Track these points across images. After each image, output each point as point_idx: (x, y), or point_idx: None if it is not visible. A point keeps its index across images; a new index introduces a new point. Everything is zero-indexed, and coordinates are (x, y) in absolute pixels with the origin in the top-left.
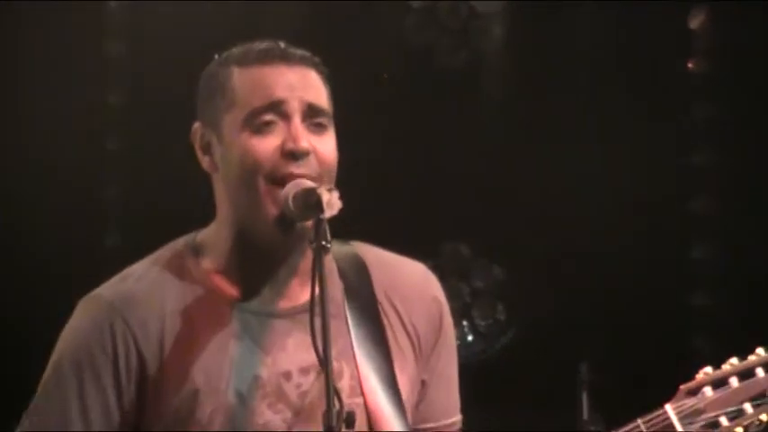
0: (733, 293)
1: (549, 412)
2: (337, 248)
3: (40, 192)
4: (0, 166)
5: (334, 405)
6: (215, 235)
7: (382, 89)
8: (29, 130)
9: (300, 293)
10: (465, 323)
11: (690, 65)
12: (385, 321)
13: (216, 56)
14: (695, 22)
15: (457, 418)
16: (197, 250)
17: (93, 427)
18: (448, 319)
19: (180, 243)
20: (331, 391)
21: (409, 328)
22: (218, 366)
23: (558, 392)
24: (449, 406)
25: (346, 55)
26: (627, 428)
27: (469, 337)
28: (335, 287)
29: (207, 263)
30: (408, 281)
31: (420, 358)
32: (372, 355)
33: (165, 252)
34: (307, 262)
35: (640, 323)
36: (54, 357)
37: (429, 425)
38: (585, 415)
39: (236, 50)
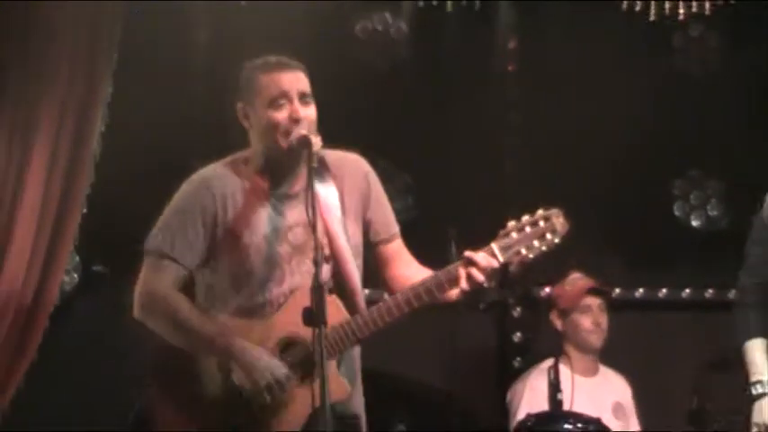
0: None
1: None
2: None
3: None
4: None
5: (318, 250)
6: (251, 155)
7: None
8: None
9: (299, 185)
10: None
11: None
12: (341, 193)
13: (245, 64)
14: None
15: (396, 228)
16: (246, 160)
17: (190, 245)
18: (374, 180)
19: (236, 155)
20: (317, 243)
21: (354, 192)
22: (255, 223)
23: None
24: (388, 223)
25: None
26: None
27: None
28: (315, 187)
29: (250, 168)
30: (350, 166)
31: (363, 206)
32: (334, 214)
33: (228, 159)
34: (302, 168)
35: None
36: (169, 208)
37: (380, 236)
38: None
39: (258, 61)
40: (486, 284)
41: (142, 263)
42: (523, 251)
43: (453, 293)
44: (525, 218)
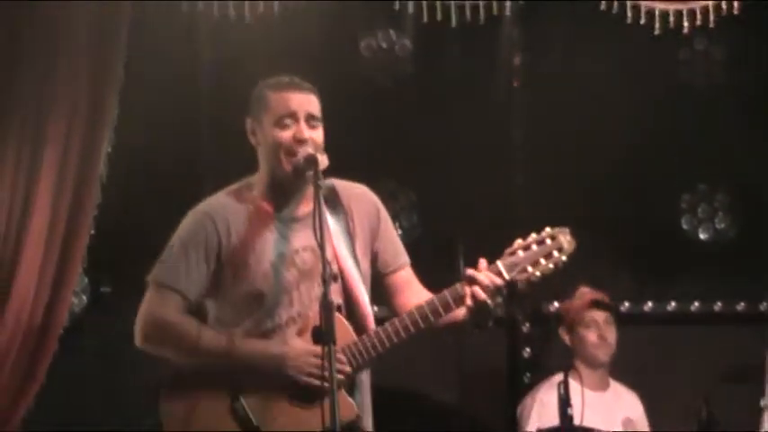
0: None
1: None
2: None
3: None
4: None
5: (325, 268)
6: (258, 177)
7: None
8: None
9: (306, 208)
10: None
11: None
12: (350, 221)
13: (259, 82)
14: None
15: (405, 258)
16: (250, 186)
17: (191, 275)
18: (384, 212)
19: (241, 182)
20: (324, 260)
21: (363, 222)
22: (261, 249)
23: None
24: (397, 254)
25: None
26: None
27: None
28: (323, 205)
29: (255, 192)
30: (360, 196)
31: (372, 236)
32: (343, 240)
33: (233, 186)
34: (308, 191)
35: None
36: (173, 240)
37: (390, 268)
38: None
39: (272, 80)
40: (490, 302)
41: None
42: (530, 269)
43: (460, 313)
44: (532, 236)
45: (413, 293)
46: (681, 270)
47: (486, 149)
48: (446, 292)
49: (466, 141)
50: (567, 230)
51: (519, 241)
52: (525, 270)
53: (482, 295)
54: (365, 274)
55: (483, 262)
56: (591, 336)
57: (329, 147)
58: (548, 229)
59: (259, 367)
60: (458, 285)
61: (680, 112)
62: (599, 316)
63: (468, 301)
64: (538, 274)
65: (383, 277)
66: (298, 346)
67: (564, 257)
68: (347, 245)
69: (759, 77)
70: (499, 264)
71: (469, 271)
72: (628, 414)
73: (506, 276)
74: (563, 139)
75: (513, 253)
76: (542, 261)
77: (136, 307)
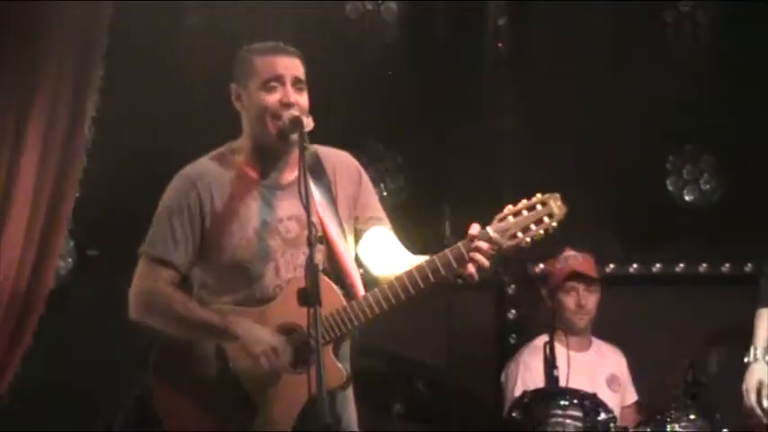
0: None
1: None
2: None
3: None
4: None
5: (311, 230)
6: (242, 143)
7: None
8: None
9: (290, 175)
10: None
11: None
12: (332, 186)
13: (243, 47)
14: None
15: (387, 223)
16: (233, 151)
17: (179, 246)
18: (365, 178)
19: (225, 147)
20: (310, 223)
21: (347, 188)
22: (245, 216)
23: None
24: (379, 217)
25: None
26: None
27: None
28: (306, 167)
29: (239, 158)
30: (342, 162)
31: (354, 201)
32: (327, 206)
33: (216, 151)
34: (292, 158)
35: None
36: (160, 209)
37: (371, 228)
38: None
39: (256, 45)
40: (488, 265)
41: (136, 247)
42: (520, 234)
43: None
44: (522, 202)
45: (393, 255)
46: (666, 231)
47: (473, 113)
48: (447, 252)
49: (452, 104)
50: (557, 196)
51: (509, 207)
52: (515, 236)
53: (483, 259)
54: (350, 240)
55: (475, 226)
56: (569, 302)
57: (316, 110)
58: (538, 195)
59: (247, 347)
60: (460, 244)
61: (665, 73)
62: (579, 283)
63: (470, 268)
64: (528, 239)
65: (363, 238)
66: (261, 332)
67: (554, 223)
68: (331, 211)
69: (744, 39)
70: (489, 229)
71: (472, 232)
72: (612, 371)
73: (500, 243)
74: (550, 103)
75: (504, 218)
76: (533, 227)
77: (122, 270)
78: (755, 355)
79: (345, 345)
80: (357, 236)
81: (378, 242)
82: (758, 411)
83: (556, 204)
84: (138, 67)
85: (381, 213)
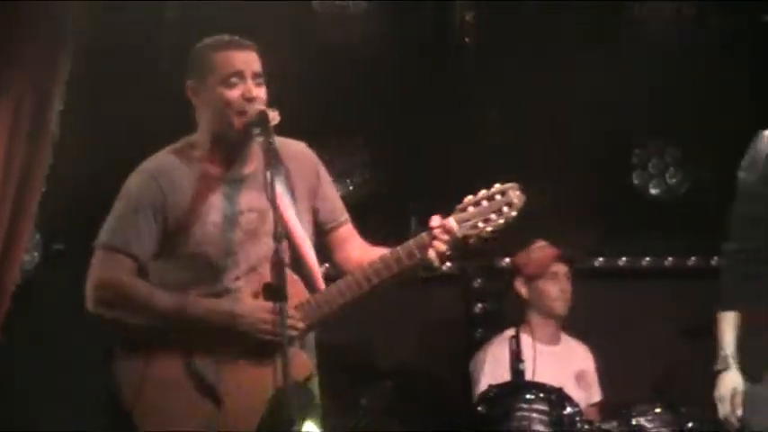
0: None
1: None
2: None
3: None
4: None
5: (278, 224)
6: (200, 137)
7: None
8: None
9: (250, 167)
10: None
11: None
12: (290, 177)
13: (199, 43)
14: None
15: (346, 215)
16: (192, 145)
17: (141, 238)
18: (323, 169)
19: (182, 142)
20: (277, 217)
21: (303, 179)
22: (206, 210)
23: None
24: (337, 210)
25: None
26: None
27: None
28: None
29: (198, 152)
30: (298, 154)
31: (312, 193)
32: (286, 199)
33: (175, 145)
34: (252, 150)
35: None
36: (118, 202)
37: (330, 224)
38: None
39: (211, 39)
40: (449, 254)
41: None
42: (480, 225)
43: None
44: (482, 192)
45: (355, 247)
46: (632, 225)
47: (439, 106)
48: (411, 242)
49: (418, 98)
50: (516, 186)
51: (469, 197)
52: (476, 226)
53: (444, 248)
54: (309, 232)
55: (436, 218)
56: (552, 288)
57: (282, 104)
58: (497, 185)
59: (212, 325)
60: (423, 234)
61: (632, 67)
62: (561, 269)
63: (431, 254)
64: (489, 229)
65: (324, 234)
66: (249, 303)
67: (514, 213)
68: (290, 204)
69: (710, 33)
70: (451, 220)
71: (433, 223)
72: (580, 367)
73: (458, 234)
74: (516, 98)
75: (464, 209)
76: (493, 216)
77: (88, 264)
78: (727, 362)
79: (310, 336)
80: (319, 229)
81: (344, 239)
82: (733, 421)
83: (515, 194)
84: (107, 62)
85: (341, 204)
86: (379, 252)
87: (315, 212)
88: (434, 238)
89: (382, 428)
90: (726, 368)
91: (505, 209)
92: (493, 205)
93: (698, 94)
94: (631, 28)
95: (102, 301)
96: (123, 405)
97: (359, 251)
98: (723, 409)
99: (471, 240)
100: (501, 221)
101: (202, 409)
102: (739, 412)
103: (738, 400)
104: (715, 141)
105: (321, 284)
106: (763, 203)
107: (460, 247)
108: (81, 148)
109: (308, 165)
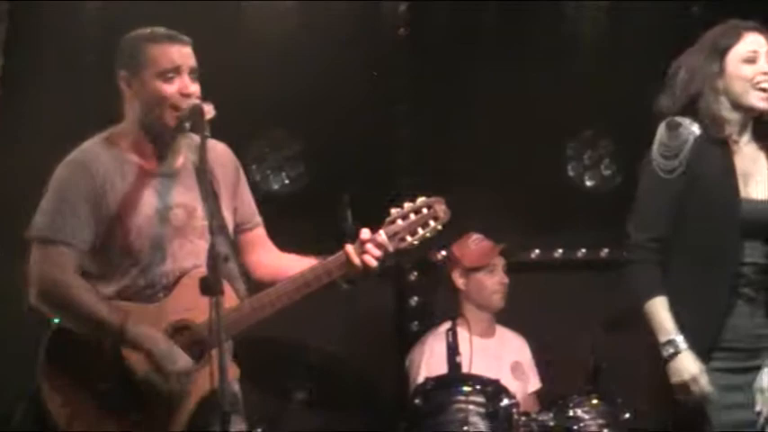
0: None
1: None
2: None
3: None
4: None
5: (212, 219)
6: (127, 128)
7: None
8: None
9: (178, 162)
10: None
11: None
12: (215, 178)
13: (129, 33)
14: None
15: (259, 218)
16: (120, 136)
17: (83, 229)
18: (241, 170)
19: (109, 132)
20: (212, 211)
21: (225, 179)
22: (135, 203)
23: None
24: (253, 212)
25: None
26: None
27: None
28: (189, 162)
29: (126, 144)
30: (220, 154)
31: (232, 193)
32: (209, 196)
33: (102, 135)
34: (180, 145)
35: None
36: (50, 192)
37: (246, 225)
38: None
39: (146, 31)
40: (376, 268)
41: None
42: (409, 238)
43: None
44: (407, 205)
45: (265, 251)
46: (567, 217)
47: (373, 100)
48: (340, 254)
49: (352, 91)
50: (441, 200)
51: (396, 210)
52: (404, 239)
53: (373, 262)
54: (227, 219)
55: (366, 231)
56: (491, 281)
57: (216, 98)
58: (422, 199)
59: (142, 349)
60: (351, 248)
61: (565, 59)
62: (499, 262)
63: (357, 262)
64: (416, 243)
65: (238, 234)
66: (182, 357)
67: (439, 226)
68: (212, 199)
69: (640, 23)
70: (382, 233)
71: (364, 237)
72: (516, 358)
73: (390, 248)
74: (450, 90)
75: (393, 222)
76: (420, 230)
77: (20, 258)
78: (677, 345)
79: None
80: (235, 229)
81: (256, 243)
82: (711, 398)
83: (440, 208)
84: (40, 60)
85: (255, 207)
86: (289, 259)
87: (234, 211)
88: (364, 251)
89: (310, 424)
90: (678, 351)
91: (432, 222)
92: (420, 219)
93: (630, 84)
94: (565, 18)
95: (46, 300)
96: (48, 408)
97: (271, 257)
98: (698, 386)
99: (398, 252)
100: (427, 235)
101: (130, 409)
102: (708, 389)
103: (705, 378)
104: (649, 131)
105: (239, 285)
106: (675, 192)
107: (387, 258)
108: (10, 141)
109: (230, 164)
